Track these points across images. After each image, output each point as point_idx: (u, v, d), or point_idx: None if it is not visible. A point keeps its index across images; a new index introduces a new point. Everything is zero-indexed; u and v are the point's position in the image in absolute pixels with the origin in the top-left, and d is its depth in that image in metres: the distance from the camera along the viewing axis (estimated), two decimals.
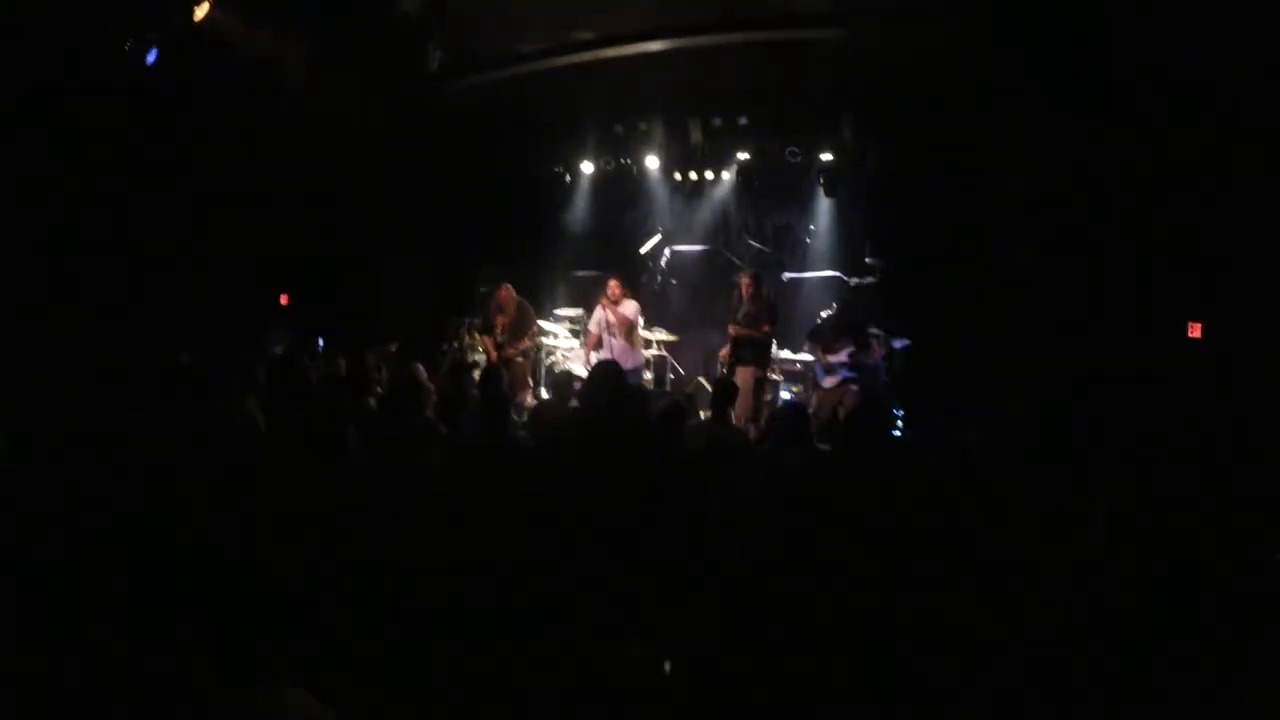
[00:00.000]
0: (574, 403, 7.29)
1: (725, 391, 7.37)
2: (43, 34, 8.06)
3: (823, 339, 10.70)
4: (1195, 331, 8.81)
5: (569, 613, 2.86)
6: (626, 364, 10.86)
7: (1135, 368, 8.59)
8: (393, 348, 10.44)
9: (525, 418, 7.32)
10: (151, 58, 8.97)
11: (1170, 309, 8.89)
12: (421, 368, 7.77)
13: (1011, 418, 7.70)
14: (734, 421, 7.87)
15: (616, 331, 11.11)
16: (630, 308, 11.31)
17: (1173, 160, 8.45)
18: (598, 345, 11.33)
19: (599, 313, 11.31)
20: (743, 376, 10.16)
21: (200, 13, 8.86)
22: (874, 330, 10.80)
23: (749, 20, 10.40)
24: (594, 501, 4.79)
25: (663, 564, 4.30)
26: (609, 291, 11.16)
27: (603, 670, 2.75)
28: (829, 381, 10.61)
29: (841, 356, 10.50)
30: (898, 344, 10.67)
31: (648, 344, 12.31)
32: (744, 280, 11.09)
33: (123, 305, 9.13)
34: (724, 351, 11.26)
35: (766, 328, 10.90)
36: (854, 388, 10.40)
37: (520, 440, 6.09)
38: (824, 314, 12.07)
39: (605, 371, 5.84)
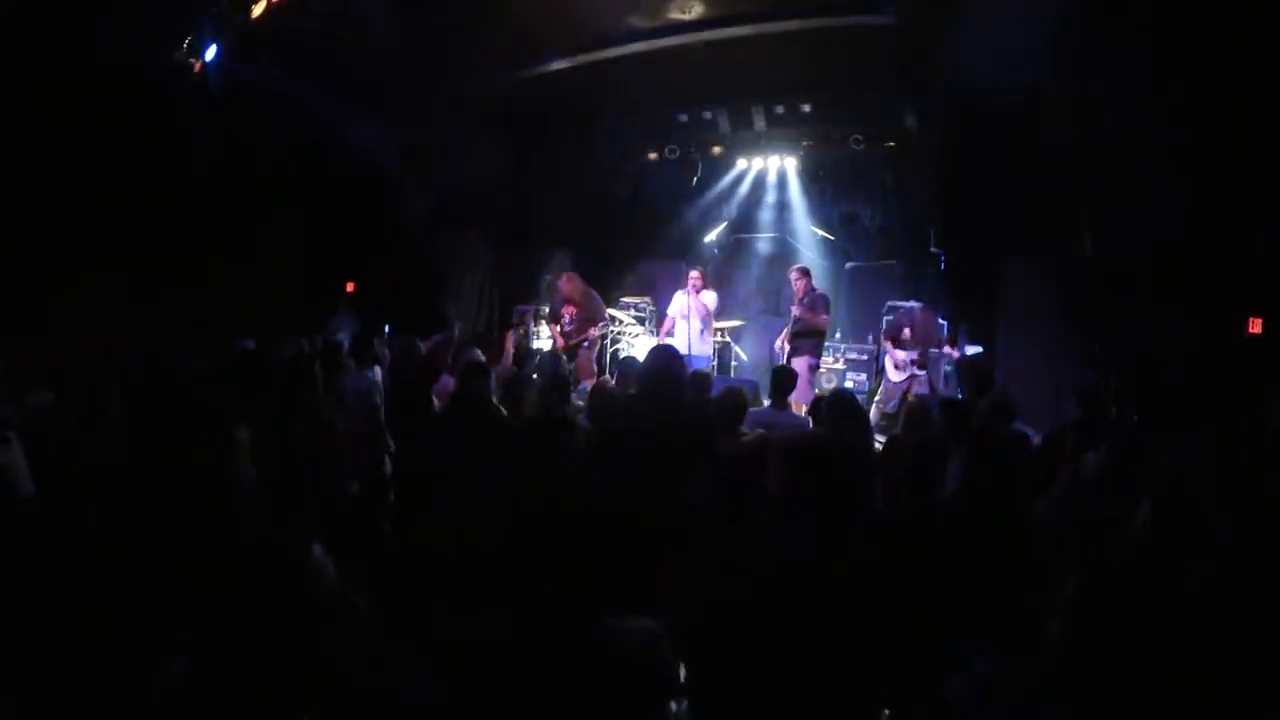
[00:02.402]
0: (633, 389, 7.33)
1: (785, 379, 7.37)
2: (103, 31, 8.21)
3: (895, 336, 10.66)
4: (1256, 327, 8.58)
5: (610, 594, 2.89)
6: (700, 351, 11.44)
7: (1194, 363, 8.43)
8: (456, 331, 10.66)
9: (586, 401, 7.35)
10: (210, 54, 9.13)
11: (1231, 303, 8.68)
12: (479, 352, 7.87)
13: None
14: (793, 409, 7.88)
15: (695, 319, 11.37)
16: (710, 298, 11.59)
17: (1237, 153, 8.26)
18: (670, 331, 11.63)
19: (681, 298, 11.55)
20: (798, 365, 10.18)
21: (258, 9, 9.01)
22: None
23: (810, 7, 10.34)
24: (650, 484, 4.82)
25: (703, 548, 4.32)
26: (692, 280, 11.42)
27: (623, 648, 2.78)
28: (897, 376, 10.57)
29: (913, 354, 10.45)
30: (969, 350, 10.58)
31: (717, 332, 12.39)
32: (794, 274, 11.17)
33: (191, 295, 9.30)
34: (780, 339, 11.32)
35: (823, 316, 10.93)
36: (922, 374, 10.38)
37: (578, 421, 6.13)
38: (891, 303, 12.00)
39: (664, 355, 5.83)
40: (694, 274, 11.53)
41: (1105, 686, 2.94)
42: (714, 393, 7.13)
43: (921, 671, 3.55)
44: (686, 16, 10.64)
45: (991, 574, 3.92)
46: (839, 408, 6.48)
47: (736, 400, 6.30)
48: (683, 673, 3.15)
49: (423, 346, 8.00)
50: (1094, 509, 4.25)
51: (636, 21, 10.88)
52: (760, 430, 6.37)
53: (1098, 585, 3.08)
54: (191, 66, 9.11)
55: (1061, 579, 3.38)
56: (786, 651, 3.07)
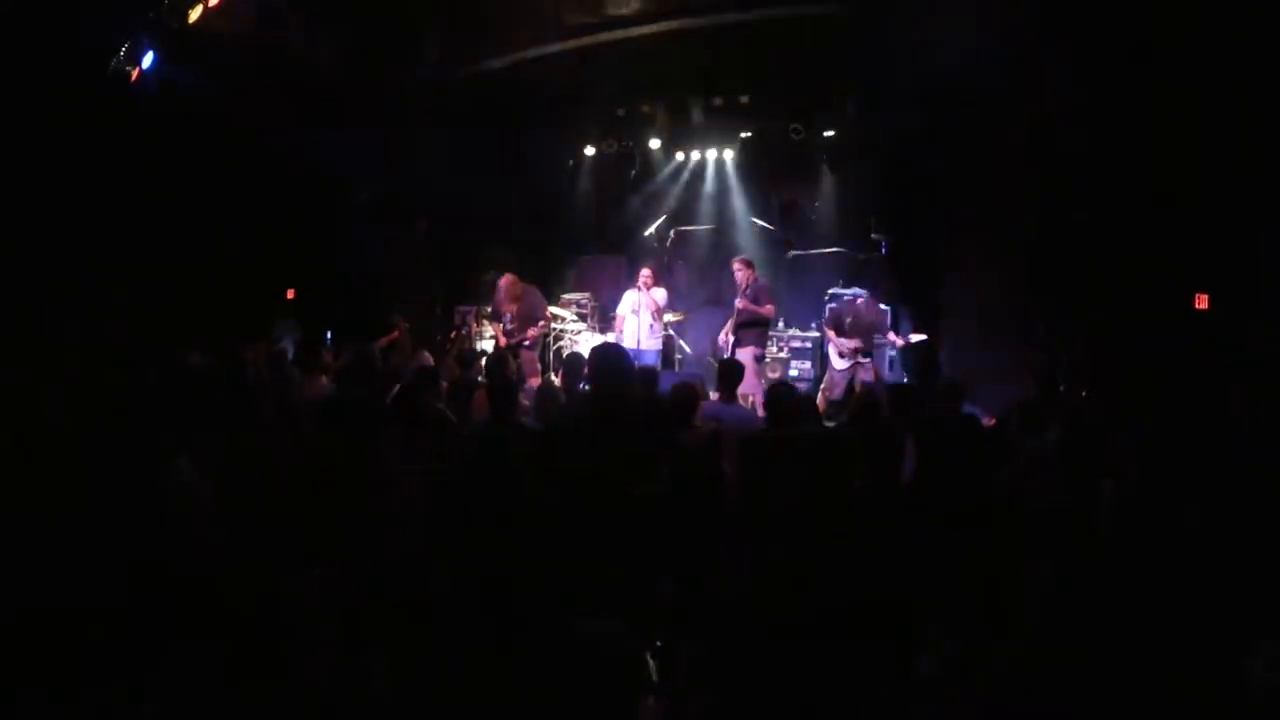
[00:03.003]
0: (583, 386, 7.29)
1: (733, 371, 7.38)
2: (39, 39, 8.02)
3: (837, 326, 10.68)
4: (1202, 303, 8.70)
5: (572, 594, 2.87)
6: (648, 346, 11.69)
7: (1141, 340, 8.54)
8: (405, 327, 10.67)
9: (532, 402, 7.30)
10: (148, 62, 8.95)
11: (1177, 280, 8.79)
12: (428, 355, 7.79)
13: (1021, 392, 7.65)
14: (740, 400, 7.90)
15: (646, 313, 11.62)
16: (660, 294, 11.90)
17: (1179, 129, 8.39)
18: (622, 329, 11.80)
19: (633, 295, 11.77)
20: (743, 357, 10.21)
21: (194, 14, 8.86)
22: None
23: None
24: (603, 482, 4.79)
25: (673, 546, 4.30)
26: (643, 278, 11.70)
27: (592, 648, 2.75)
28: (842, 363, 10.60)
29: (856, 342, 10.47)
30: (913, 337, 10.66)
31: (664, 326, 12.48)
32: (736, 266, 11.29)
33: (131, 307, 9.11)
34: (723, 334, 11.35)
35: (767, 306, 10.97)
36: (867, 361, 10.42)
37: (527, 425, 6.09)
38: (833, 291, 12.06)
39: (609, 353, 5.81)
40: (645, 271, 11.79)
41: (1080, 667, 2.98)
42: (662, 387, 7.14)
43: (894, 650, 3.56)
44: (625, 11, 10.61)
45: (954, 554, 3.93)
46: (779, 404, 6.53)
47: (690, 394, 6.30)
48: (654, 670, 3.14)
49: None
50: (1053, 489, 4.28)
51: (576, 17, 10.84)
52: (712, 423, 6.38)
53: (1071, 569, 3.11)
54: (129, 75, 8.92)
55: (1028, 560, 3.41)
56: (796, 640, 3.06)
